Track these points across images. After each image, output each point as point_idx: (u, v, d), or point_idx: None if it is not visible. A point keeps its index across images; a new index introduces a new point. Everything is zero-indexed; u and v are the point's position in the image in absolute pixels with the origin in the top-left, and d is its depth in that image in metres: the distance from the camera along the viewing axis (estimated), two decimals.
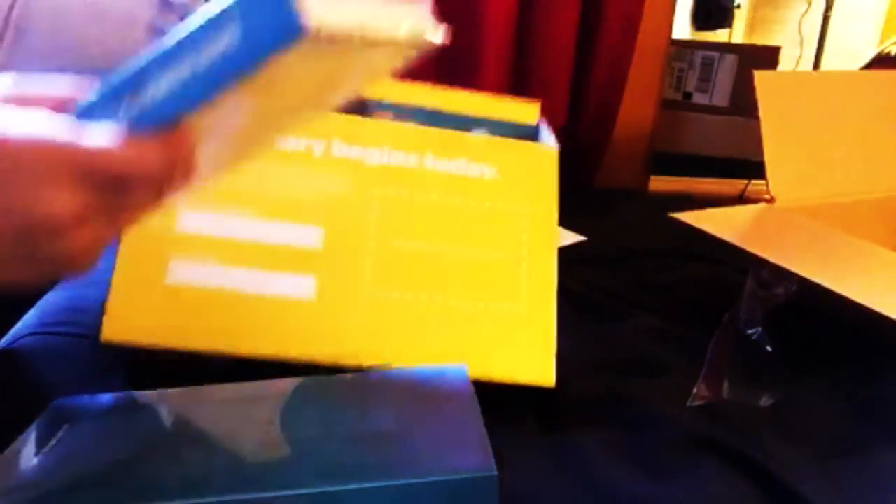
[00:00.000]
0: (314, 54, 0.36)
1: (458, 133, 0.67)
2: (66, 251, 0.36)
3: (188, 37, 0.37)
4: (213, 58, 0.36)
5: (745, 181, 1.26)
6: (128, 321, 0.56)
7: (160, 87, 0.38)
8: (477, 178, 0.65)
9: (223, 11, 0.36)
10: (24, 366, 0.62)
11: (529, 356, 0.60)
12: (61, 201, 0.35)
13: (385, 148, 0.63)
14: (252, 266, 0.59)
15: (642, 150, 1.37)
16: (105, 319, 0.56)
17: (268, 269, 0.59)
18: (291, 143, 0.62)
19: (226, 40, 0.36)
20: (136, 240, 0.58)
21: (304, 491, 0.41)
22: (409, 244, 0.62)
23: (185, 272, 0.58)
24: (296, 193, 0.61)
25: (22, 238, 0.35)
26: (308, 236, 0.61)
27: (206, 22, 0.36)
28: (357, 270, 0.60)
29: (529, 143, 0.71)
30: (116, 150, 0.36)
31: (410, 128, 0.66)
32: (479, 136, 0.68)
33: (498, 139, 0.69)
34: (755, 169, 0.94)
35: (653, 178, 1.39)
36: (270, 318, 0.57)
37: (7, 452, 0.45)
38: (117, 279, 0.57)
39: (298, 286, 0.58)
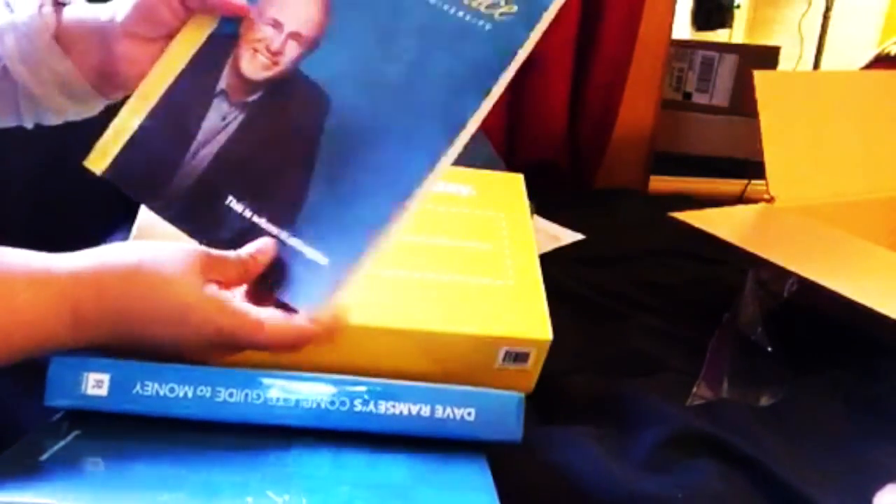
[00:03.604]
0: None
1: None
2: None
3: None
4: None
5: (745, 181, 1.26)
6: None
7: None
8: (455, 194, 0.72)
9: None
10: (25, 366, 0.62)
11: (524, 317, 0.63)
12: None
13: None
14: None
15: (642, 150, 1.37)
16: None
17: None
18: None
19: None
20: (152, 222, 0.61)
21: None
22: (398, 238, 0.65)
23: None
24: None
25: None
26: None
27: None
28: None
29: (499, 172, 0.78)
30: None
31: None
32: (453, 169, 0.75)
33: (470, 170, 0.76)
34: (755, 169, 0.95)
35: (653, 178, 1.39)
36: None
37: (8, 452, 0.45)
38: None
39: None
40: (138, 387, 0.49)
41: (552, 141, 1.29)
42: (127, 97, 0.54)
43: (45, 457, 0.45)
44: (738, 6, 2.66)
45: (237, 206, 0.49)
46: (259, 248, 0.48)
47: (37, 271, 0.44)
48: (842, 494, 0.58)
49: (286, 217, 0.49)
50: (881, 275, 0.76)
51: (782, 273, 0.72)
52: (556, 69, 1.24)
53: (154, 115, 0.51)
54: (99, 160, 0.52)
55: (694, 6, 2.44)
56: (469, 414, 0.51)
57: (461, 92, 0.48)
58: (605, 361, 0.75)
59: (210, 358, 0.48)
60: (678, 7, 1.35)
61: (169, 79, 0.52)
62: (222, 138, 0.50)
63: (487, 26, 0.48)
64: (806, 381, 0.72)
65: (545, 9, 0.47)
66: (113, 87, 0.56)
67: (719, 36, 2.54)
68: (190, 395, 0.49)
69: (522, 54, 0.47)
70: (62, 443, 0.47)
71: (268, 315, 0.47)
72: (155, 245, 0.46)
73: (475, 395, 0.51)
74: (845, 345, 0.77)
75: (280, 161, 0.50)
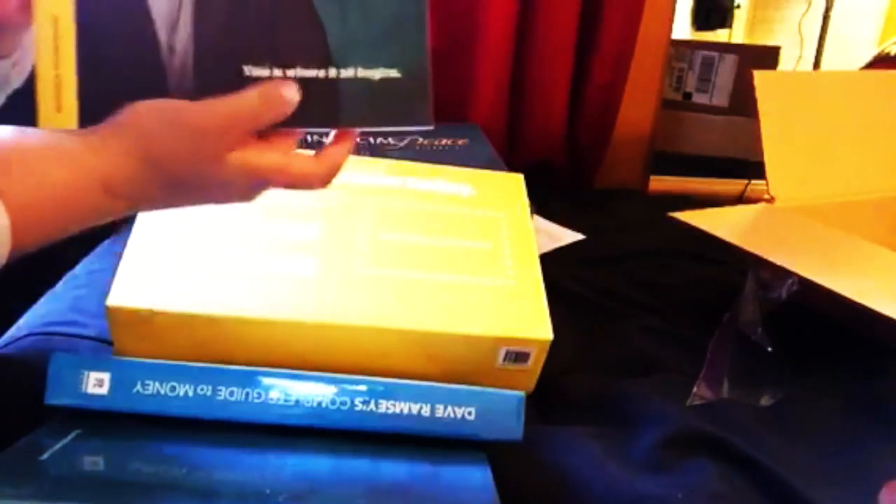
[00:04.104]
0: None
1: (434, 165, 0.75)
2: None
3: None
4: None
5: (745, 181, 1.26)
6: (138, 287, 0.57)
7: None
8: (455, 193, 0.72)
9: None
10: (25, 366, 0.63)
11: (525, 317, 0.63)
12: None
13: (370, 173, 0.72)
14: (256, 250, 0.62)
15: (642, 150, 1.37)
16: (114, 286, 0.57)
17: (270, 252, 0.62)
18: None
19: None
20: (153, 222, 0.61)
21: None
22: (398, 237, 0.66)
23: (194, 250, 0.61)
24: (294, 202, 0.66)
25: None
26: (306, 230, 0.64)
27: None
28: (351, 256, 0.64)
29: (499, 172, 0.78)
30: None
31: (390, 161, 0.75)
32: (453, 169, 0.76)
33: (470, 170, 0.76)
34: (755, 169, 0.95)
35: (653, 178, 1.39)
36: (275, 289, 0.60)
37: (8, 452, 0.45)
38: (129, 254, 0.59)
39: (298, 265, 0.61)
40: (139, 386, 0.49)
41: (552, 141, 1.29)
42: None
43: (45, 456, 0.45)
44: (738, 6, 2.65)
45: (261, 72, 0.45)
46: (263, 92, 0.44)
47: (61, 148, 0.42)
48: (842, 494, 0.58)
49: (320, 54, 0.45)
50: (881, 275, 0.76)
51: (782, 273, 0.72)
52: (556, 69, 1.24)
53: (85, 35, 0.44)
54: (60, 117, 0.44)
55: (694, 6, 2.44)
56: (469, 413, 0.51)
57: None
58: (605, 361, 0.75)
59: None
60: (678, 7, 1.35)
61: None
62: (188, 17, 0.45)
63: None
64: (806, 381, 0.72)
65: None
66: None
67: (719, 36, 2.53)
68: (191, 393, 0.49)
69: None
70: (62, 442, 0.47)
71: (295, 159, 0.45)
72: (166, 118, 0.43)
73: (475, 395, 0.51)
74: (845, 345, 0.77)
75: (268, 6, 0.45)
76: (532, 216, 0.73)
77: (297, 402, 0.49)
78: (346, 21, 0.46)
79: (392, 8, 0.46)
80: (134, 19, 0.45)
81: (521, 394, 0.52)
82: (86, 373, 0.48)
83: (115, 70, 0.45)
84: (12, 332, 0.68)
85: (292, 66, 0.45)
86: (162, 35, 0.45)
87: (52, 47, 0.44)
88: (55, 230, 0.42)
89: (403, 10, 0.46)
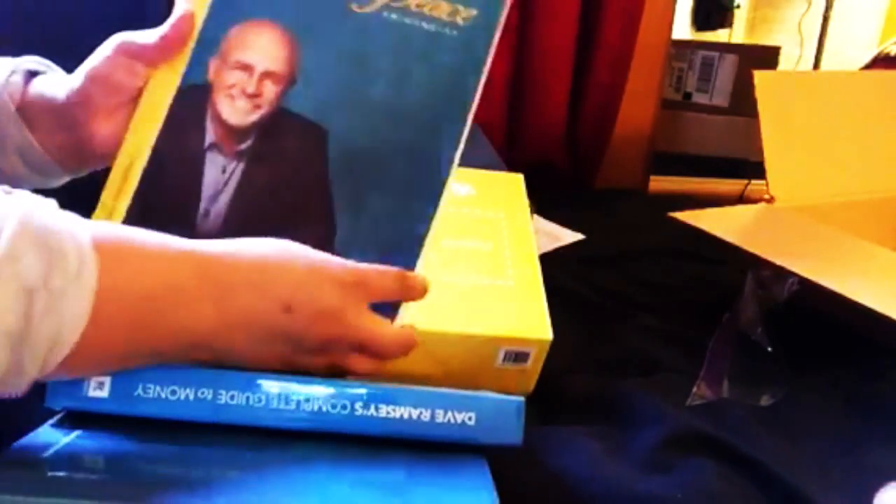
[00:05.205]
0: None
1: None
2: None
3: None
4: None
5: (745, 181, 1.26)
6: None
7: None
8: (455, 194, 0.72)
9: None
10: None
11: (524, 317, 0.63)
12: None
13: None
14: None
15: (642, 150, 1.37)
16: None
17: None
18: None
19: None
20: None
21: None
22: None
23: None
24: None
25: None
26: None
27: None
28: None
29: (499, 172, 0.79)
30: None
31: None
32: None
33: (470, 170, 0.76)
34: (755, 169, 0.95)
35: (653, 178, 1.39)
36: None
37: (9, 451, 0.45)
38: None
39: None
40: (140, 389, 0.49)
41: (552, 141, 1.29)
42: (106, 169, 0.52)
43: (45, 456, 0.45)
44: (738, 6, 2.66)
45: None
46: (381, 270, 0.49)
47: (201, 256, 0.45)
48: (842, 494, 0.58)
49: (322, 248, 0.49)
50: (881, 275, 0.76)
51: (782, 273, 0.72)
52: (556, 69, 1.24)
53: (145, 183, 0.51)
54: None
55: (694, 6, 2.44)
56: (470, 418, 0.51)
57: (447, 95, 0.51)
58: (605, 361, 0.75)
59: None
60: (678, 7, 1.35)
61: (148, 144, 0.51)
62: (230, 191, 0.51)
63: (454, 32, 0.50)
64: (806, 381, 0.72)
65: (502, 4, 0.50)
66: (79, 165, 0.54)
67: (719, 36, 2.54)
68: (191, 397, 0.49)
69: (492, 51, 0.51)
70: (63, 442, 0.47)
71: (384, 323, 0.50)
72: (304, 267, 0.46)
73: (476, 400, 0.51)
74: (845, 345, 0.77)
75: (297, 200, 0.51)
76: (532, 216, 0.73)
77: (297, 405, 0.49)
78: (359, 224, 0.51)
79: (401, 225, 0.51)
80: (187, 181, 0.51)
81: (522, 399, 0.52)
82: None
83: (154, 215, 0.51)
84: None
85: None
86: (203, 200, 0.51)
87: (119, 185, 0.51)
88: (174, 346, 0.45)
89: (413, 223, 0.51)
